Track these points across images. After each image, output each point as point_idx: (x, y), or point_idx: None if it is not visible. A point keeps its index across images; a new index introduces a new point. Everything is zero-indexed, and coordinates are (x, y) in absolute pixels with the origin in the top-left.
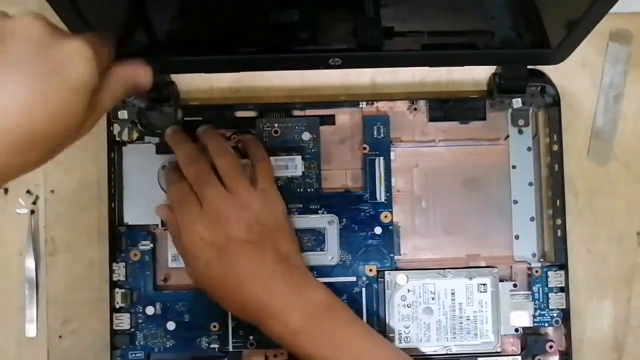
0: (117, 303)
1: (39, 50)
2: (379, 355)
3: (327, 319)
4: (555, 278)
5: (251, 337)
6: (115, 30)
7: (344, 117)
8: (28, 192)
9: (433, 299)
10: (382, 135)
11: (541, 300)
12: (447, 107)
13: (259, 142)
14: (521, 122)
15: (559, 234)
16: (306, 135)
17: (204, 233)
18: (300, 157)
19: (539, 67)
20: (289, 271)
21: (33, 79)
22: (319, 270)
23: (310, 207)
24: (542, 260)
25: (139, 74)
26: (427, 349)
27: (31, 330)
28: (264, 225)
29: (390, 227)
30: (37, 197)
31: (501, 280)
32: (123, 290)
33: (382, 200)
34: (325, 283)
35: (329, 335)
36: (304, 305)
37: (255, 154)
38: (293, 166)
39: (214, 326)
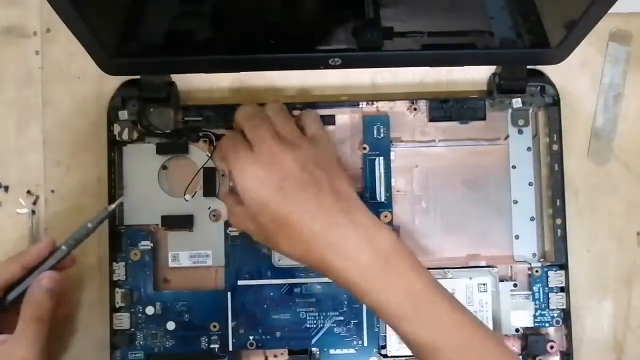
0: (117, 303)
1: None
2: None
3: (395, 260)
4: (555, 278)
5: (251, 337)
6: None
7: (344, 117)
8: (28, 192)
9: None
10: (382, 135)
11: (541, 300)
12: (447, 107)
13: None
14: (521, 122)
15: (559, 233)
16: None
17: (259, 172)
18: None
19: (538, 67)
20: (350, 209)
21: None
22: None
23: None
24: (542, 260)
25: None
26: None
27: None
28: (317, 164)
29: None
30: (37, 197)
31: (501, 280)
32: (123, 290)
33: (382, 200)
34: (326, 283)
35: (400, 274)
36: (373, 243)
37: (302, 113)
38: None
39: (214, 326)
